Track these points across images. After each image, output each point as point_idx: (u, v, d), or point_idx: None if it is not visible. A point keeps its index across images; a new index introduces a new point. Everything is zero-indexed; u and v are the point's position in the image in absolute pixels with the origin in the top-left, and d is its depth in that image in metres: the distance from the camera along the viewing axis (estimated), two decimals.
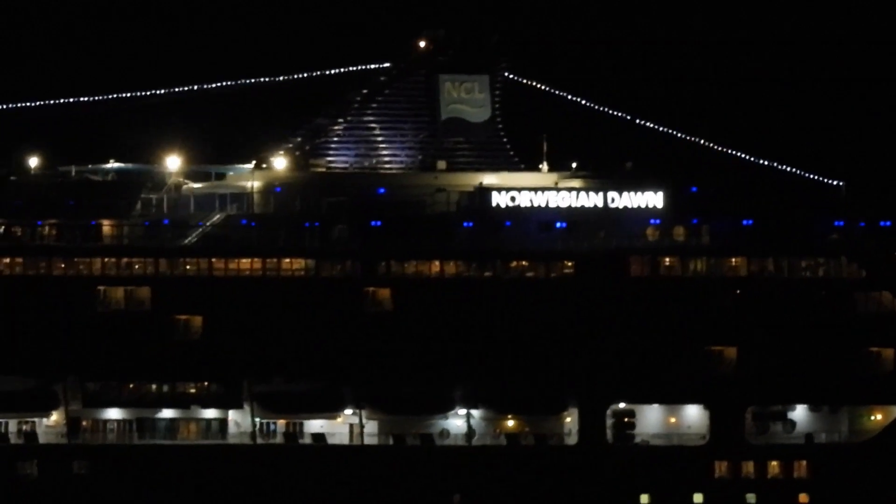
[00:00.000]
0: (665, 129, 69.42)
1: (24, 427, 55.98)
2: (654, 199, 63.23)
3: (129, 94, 70.40)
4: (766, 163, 69.07)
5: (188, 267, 60.34)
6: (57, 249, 59.08)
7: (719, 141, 70.24)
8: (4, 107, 69.84)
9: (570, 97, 69.24)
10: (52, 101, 72.03)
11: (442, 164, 66.78)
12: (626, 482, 56.25)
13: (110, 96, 70.21)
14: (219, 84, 69.82)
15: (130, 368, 56.89)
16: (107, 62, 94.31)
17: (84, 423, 56.56)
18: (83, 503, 55.12)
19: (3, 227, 59.48)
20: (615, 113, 69.33)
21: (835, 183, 68.13)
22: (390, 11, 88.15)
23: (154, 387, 57.93)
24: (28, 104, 70.27)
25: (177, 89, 68.31)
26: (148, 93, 66.98)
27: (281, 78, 68.59)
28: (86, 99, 70.55)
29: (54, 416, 56.99)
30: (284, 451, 57.97)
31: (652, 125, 69.19)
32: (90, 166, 64.46)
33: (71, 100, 68.67)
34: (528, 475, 55.50)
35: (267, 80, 68.73)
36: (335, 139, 67.95)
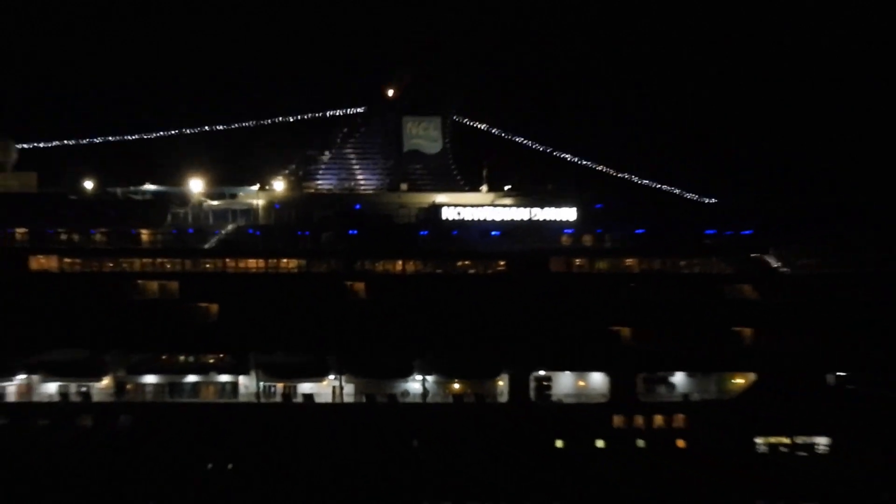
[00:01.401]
0: (576, 160, 79.94)
1: (82, 389, 63.41)
2: (568, 214, 71.17)
3: (161, 133, 78.76)
4: (654, 185, 79.25)
5: (207, 265, 68.02)
6: (106, 252, 67.24)
7: (619, 168, 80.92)
8: (66, 143, 77.90)
9: (504, 134, 79.85)
10: (100, 139, 78.80)
11: (404, 187, 76.44)
12: (545, 431, 62.42)
13: (146, 135, 78.70)
14: (231, 125, 79.74)
15: (163, 344, 64.76)
16: (141, 107, 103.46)
17: (128, 385, 64.15)
18: (127, 449, 61.20)
19: (65, 234, 67.30)
20: (538, 147, 79.47)
21: (708, 200, 78.60)
22: (365, 63, 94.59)
23: (181, 358, 65.69)
24: (83, 141, 78.11)
25: (198, 129, 78.79)
26: (176, 131, 78.40)
27: (279, 119, 79.75)
28: (127, 137, 78.55)
29: (105, 381, 64.48)
30: (282, 407, 64.57)
31: (567, 156, 79.83)
32: (131, 188, 73.57)
33: (114, 138, 78.48)
34: (470, 426, 61.90)
35: (268, 122, 79.93)
36: (322, 167, 77.80)
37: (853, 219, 78.46)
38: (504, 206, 73.31)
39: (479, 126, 79.61)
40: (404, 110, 78.69)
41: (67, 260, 67.06)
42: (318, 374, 64.75)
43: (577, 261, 69.72)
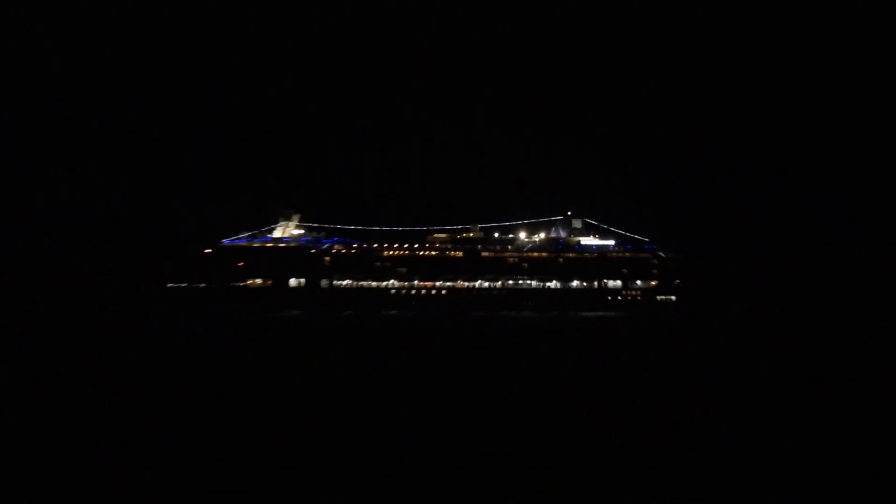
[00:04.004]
0: (611, 228, 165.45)
1: (516, 283, 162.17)
2: (611, 242, 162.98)
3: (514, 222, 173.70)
4: (632, 235, 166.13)
5: (528, 255, 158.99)
6: (498, 249, 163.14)
7: (625, 228, 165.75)
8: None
9: (593, 221, 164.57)
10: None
11: (572, 237, 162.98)
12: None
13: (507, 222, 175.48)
14: (530, 220, 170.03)
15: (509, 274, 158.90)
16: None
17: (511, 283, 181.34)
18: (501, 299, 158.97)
19: (491, 245, 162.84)
20: (607, 227, 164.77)
21: (645, 238, 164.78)
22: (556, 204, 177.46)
23: (520, 279, 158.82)
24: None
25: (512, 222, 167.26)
26: (513, 223, 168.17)
27: (539, 220, 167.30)
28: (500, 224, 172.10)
29: (531, 282, 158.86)
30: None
31: (609, 227, 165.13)
32: (509, 236, 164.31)
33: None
34: (595, 295, 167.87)
35: (536, 220, 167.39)
36: (552, 232, 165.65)
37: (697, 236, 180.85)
38: (596, 240, 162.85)
39: (590, 221, 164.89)
40: (573, 216, 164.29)
41: (490, 254, 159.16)
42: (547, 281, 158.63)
43: (614, 254, 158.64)
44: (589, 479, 27.47)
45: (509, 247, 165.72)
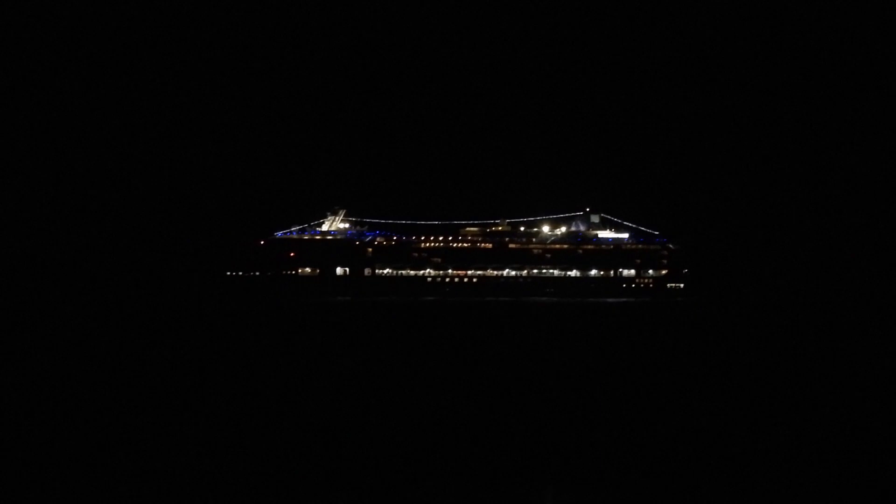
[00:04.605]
0: (625, 222, 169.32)
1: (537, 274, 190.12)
2: (625, 235, 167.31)
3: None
4: (645, 228, 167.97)
5: (550, 246, 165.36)
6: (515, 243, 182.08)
7: (636, 222, 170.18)
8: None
9: (616, 219, 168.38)
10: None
11: (590, 230, 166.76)
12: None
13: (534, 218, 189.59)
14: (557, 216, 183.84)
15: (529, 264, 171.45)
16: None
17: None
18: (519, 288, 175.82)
19: (518, 237, 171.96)
20: (622, 221, 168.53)
21: (656, 232, 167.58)
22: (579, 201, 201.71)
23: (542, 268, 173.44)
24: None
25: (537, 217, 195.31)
26: (537, 218, 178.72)
27: (560, 215, 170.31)
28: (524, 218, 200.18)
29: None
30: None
31: (622, 221, 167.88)
32: (534, 229, 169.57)
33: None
34: (611, 284, 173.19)
35: (558, 215, 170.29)
36: (572, 226, 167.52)
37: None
38: (612, 233, 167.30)
39: (605, 216, 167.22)
40: (591, 212, 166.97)
41: (516, 245, 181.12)
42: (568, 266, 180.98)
43: (628, 246, 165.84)
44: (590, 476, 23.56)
45: (534, 239, 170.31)
